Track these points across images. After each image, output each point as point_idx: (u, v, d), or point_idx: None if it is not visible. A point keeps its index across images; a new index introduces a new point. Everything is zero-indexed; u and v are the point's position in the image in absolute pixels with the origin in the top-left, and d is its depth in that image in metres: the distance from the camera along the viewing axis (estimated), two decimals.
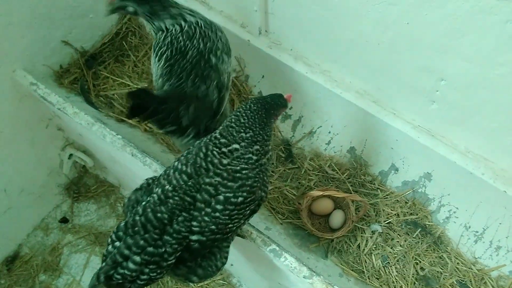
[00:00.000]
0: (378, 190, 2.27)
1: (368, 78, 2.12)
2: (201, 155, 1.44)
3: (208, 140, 1.47)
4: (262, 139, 1.45)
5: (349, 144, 2.36)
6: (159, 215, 1.39)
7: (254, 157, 1.44)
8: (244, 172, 1.43)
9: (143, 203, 1.45)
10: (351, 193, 2.20)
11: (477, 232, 2.11)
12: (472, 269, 2.08)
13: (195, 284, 2.59)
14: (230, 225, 1.47)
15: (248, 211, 1.52)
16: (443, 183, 2.15)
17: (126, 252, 1.35)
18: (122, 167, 2.46)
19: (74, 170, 2.98)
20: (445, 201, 2.17)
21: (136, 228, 1.37)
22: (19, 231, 2.80)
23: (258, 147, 1.44)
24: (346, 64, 2.16)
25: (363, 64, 2.08)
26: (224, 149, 1.43)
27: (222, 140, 1.44)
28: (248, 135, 1.43)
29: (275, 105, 1.50)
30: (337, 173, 2.32)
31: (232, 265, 2.55)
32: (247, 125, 1.43)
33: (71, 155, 2.78)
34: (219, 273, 2.66)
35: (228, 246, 1.61)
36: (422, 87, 1.95)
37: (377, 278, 2.07)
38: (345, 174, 2.32)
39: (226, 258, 1.60)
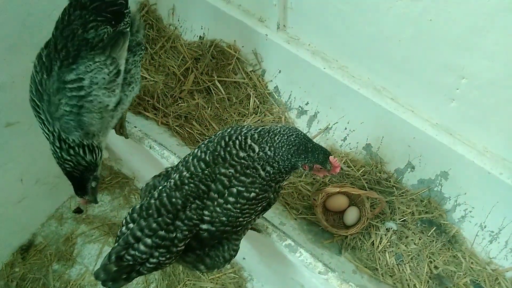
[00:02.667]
0: (394, 188, 2.26)
1: (387, 74, 2.10)
2: (223, 143, 1.45)
3: (241, 128, 1.48)
4: (278, 170, 1.43)
5: (365, 141, 2.35)
6: (173, 200, 1.41)
7: (262, 173, 1.43)
8: (253, 171, 1.44)
9: (160, 187, 1.47)
10: (366, 190, 2.19)
11: (492, 232, 2.10)
12: (486, 269, 2.06)
13: (203, 274, 2.60)
14: (240, 219, 1.49)
15: (260, 208, 1.53)
16: (460, 182, 2.13)
17: (139, 233, 1.37)
18: (138, 160, 2.48)
19: None
20: (461, 200, 2.16)
21: (150, 211, 1.40)
22: (33, 220, 2.82)
23: (270, 170, 1.43)
24: (365, 60, 2.14)
25: (382, 61, 2.07)
26: (249, 141, 1.43)
27: (255, 135, 1.44)
28: (269, 153, 1.41)
29: (311, 156, 1.40)
30: (353, 169, 2.31)
31: (244, 258, 2.56)
32: (275, 145, 1.41)
33: None
34: (229, 266, 2.70)
35: (238, 240, 1.62)
36: (442, 85, 1.93)
37: (391, 276, 2.06)
38: (361, 171, 2.30)
39: (236, 251, 1.61)
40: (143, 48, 1.80)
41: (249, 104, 2.43)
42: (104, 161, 2.95)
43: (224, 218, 1.45)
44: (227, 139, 1.46)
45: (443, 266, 2.07)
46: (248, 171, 1.42)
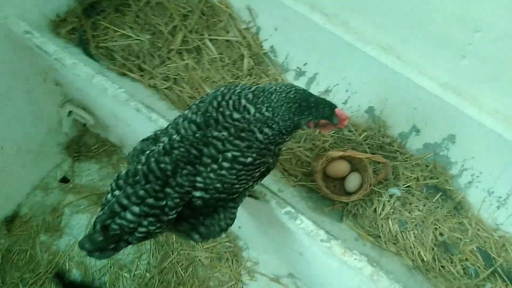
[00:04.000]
0: (397, 152, 2.15)
1: (392, 29, 1.95)
2: (215, 104, 1.33)
3: (235, 86, 1.36)
4: (278, 131, 1.31)
5: (367, 104, 2.21)
6: (162, 165, 1.30)
7: (259, 136, 1.31)
8: (249, 134, 1.32)
9: (147, 152, 1.37)
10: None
11: (500, 197, 2.00)
12: (493, 235, 1.98)
13: (198, 243, 2.52)
14: (236, 186, 1.39)
15: (258, 173, 1.43)
16: (468, 145, 2.02)
17: (125, 201, 1.28)
18: (125, 126, 2.33)
19: (74, 129, 2.84)
20: (468, 165, 2.05)
21: (137, 178, 1.30)
22: (17, 190, 2.68)
23: (268, 132, 1.31)
24: (368, 14, 1.98)
25: (387, 14, 1.91)
26: (243, 101, 1.31)
27: (250, 95, 1.31)
28: (267, 114, 1.29)
29: (315, 111, 1.28)
30: (354, 134, 2.19)
31: (239, 227, 2.47)
32: (273, 105, 1.27)
33: (70, 112, 2.63)
34: (225, 235, 2.61)
35: (235, 208, 1.53)
36: (453, 40, 1.79)
37: (394, 243, 1.97)
38: (363, 135, 2.18)
39: (232, 219, 1.53)
40: None
41: (243, 65, 2.26)
42: (89, 128, 2.81)
43: (218, 185, 1.34)
44: (219, 99, 1.34)
45: (449, 233, 1.98)
46: (243, 134, 1.30)
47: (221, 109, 1.32)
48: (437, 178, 2.08)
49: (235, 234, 2.60)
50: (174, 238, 2.55)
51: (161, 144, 1.35)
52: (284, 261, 2.46)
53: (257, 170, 1.41)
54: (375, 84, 2.12)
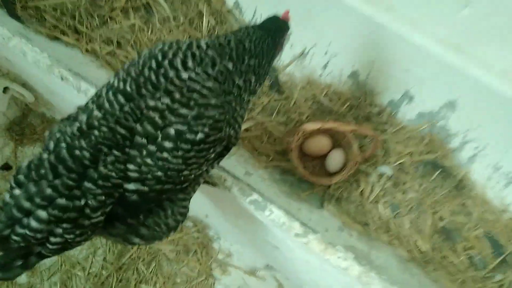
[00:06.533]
0: (387, 124, 1.83)
1: None
2: (154, 64, 1.02)
3: (177, 42, 1.08)
4: (263, 74, 1.20)
5: (351, 68, 1.86)
6: (77, 152, 0.97)
7: (241, 84, 1.11)
8: (205, 93, 1.01)
9: (57, 134, 1.02)
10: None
11: (509, 173, 1.70)
12: (501, 218, 1.69)
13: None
14: (185, 172, 1.06)
15: (213, 155, 1.10)
16: (470, 113, 1.70)
17: (27, 204, 0.94)
18: (60, 100, 1.97)
19: (16, 108, 2.47)
20: (471, 136, 1.74)
21: (43, 171, 0.95)
22: None
23: (254, 79, 1.15)
24: None
25: None
26: (196, 51, 1.04)
27: (210, 51, 1.05)
28: (252, 62, 1.12)
29: (279, 31, 1.25)
30: (336, 104, 1.85)
31: (206, 216, 2.15)
32: (252, 52, 1.12)
33: (6, 88, 2.25)
34: (192, 225, 2.30)
35: (187, 200, 1.21)
36: None
37: (386, 232, 1.66)
38: (346, 105, 1.85)
39: (184, 215, 1.21)
40: None
41: (202, 24, 1.88)
42: (32, 106, 2.44)
43: (159, 173, 1.01)
44: (159, 58, 1.02)
45: (450, 217, 1.68)
46: (195, 95, 0.99)
47: (162, 70, 1.00)
48: (435, 153, 1.77)
49: (203, 223, 2.29)
50: None
51: (77, 124, 1.01)
52: (260, 252, 2.15)
53: (212, 150, 1.08)
54: (360, 44, 1.78)
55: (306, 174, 1.69)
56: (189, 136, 0.98)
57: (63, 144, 0.97)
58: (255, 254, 2.22)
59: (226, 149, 1.17)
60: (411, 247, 1.63)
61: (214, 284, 2.18)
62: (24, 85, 2.27)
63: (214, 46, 1.07)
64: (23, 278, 2.24)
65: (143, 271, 2.21)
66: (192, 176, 1.10)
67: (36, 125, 2.48)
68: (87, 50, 1.75)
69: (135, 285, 2.19)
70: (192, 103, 0.98)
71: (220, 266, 2.23)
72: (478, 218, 1.68)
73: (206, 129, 1.00)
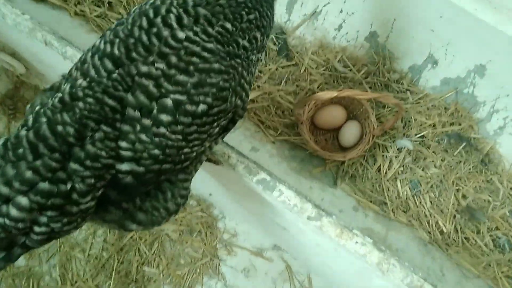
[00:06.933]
0: (408, 92, 1.69)
1: None
2: (145, 23, 0.88)
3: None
4: (268, 24, 1.04)
5: (368, 28, 1.71)
6: (59, 128, 0.84)
7: (247, 44, 0.97)
8: (206, 56, 0.87)
9: (37, 107, 0.90)
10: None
11: None
12: None
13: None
14: (186, 150, 0.94)
15: (217, 129, 0.98)
16: (501, 78, 1.57)
17: (5, 190, 0.82)
18: (53, 70, 1.82)
19: (7, 80, 2.34)
20: (500, 105, 1.60)
21: (21, 151, 0.83)
22: None
23: (259, 35, 1.01)
24: None
25: None
26: (190, 9, 0.89)
27: (201, 10, 0.91)
28: (251, 16, 0.98)
29: None
30: (351, 70, 1.69)
31: (210, 194, 2.04)
32: (248, 3, 0.97)
33: None
34: (196, 204, 2.21)
35: (188, 180, 1.09)
36: None
37: (404, 212, 1.54)
38: (362, 71, 1.71)
39: (185, 197, 1.10)
40: None
41: None
42: (23, 78, 2.30)
43: (156, 151, 0.90)
44: (151, 15, 0.88)
45: (474, 195, 1.56)
46: (194, 59, 0.86)
47: (154, 30, 0.86)
48: (460, 124, 1.64)
49: (208, 202, 2.19)
50: None
51: (59, 95, 0.88)
52: (267, 232, 2.05)
53: (216, 124, 0.95)
54: (378, 0, 1.60)
55: (318, 149, 1.56)
56: (189, 107, 0.86)
57: (43, 119, 0.85)
58: (262, 234, 2.12)
59: (232, 122, 1.04)
60: (432, 228, 1.52)
61: (219, 265, 2.09)
62: (14, 55, 2.13)
63: (202, 5, 0.92)
64: (21, 261, 2.16)
65: (145, 252, 2.13)
66: (194, 154, 0.98)
67: (29, 99, 2.35)
68: (75, 13, 1.61)
69: (137, 267, 2.11)
70: (191, 68, 0.85)
71: (226, 247, 2.15)
72: (504, 196, 1.58)
73: (209, 99, 0.88)
